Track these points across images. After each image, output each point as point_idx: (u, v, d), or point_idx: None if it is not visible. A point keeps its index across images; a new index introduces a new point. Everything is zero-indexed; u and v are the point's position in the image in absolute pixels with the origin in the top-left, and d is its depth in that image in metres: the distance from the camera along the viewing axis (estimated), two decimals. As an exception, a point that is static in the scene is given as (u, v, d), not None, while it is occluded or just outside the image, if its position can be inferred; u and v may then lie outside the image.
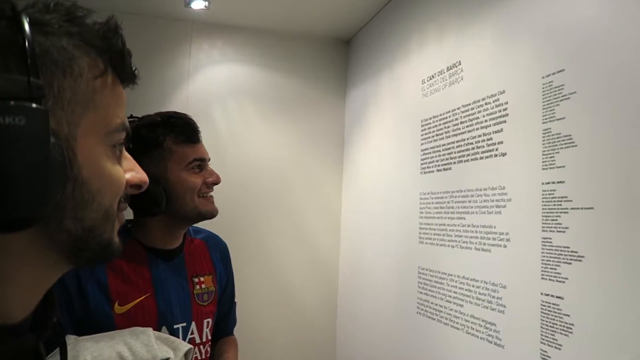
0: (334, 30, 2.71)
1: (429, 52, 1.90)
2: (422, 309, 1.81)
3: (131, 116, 1.15)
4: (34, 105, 0.37)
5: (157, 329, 1.10)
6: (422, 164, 1.88)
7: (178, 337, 1.14)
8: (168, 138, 1.14)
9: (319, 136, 2.79)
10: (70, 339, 0.94)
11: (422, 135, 1.90)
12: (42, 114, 0.38)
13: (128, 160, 0.54)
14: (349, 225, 2.68)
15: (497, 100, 1.45)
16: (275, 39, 2.73)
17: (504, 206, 1.39)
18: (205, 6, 2.38)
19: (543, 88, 1.27)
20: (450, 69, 1.72)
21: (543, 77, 1.27)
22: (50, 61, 0.42)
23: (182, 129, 1.16)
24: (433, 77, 1.84)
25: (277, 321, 2.64)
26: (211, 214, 1.20)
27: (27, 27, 0.40)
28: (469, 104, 1.59)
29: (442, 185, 1.73)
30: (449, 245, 1.66)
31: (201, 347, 1.21)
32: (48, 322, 0.51)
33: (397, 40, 2.19)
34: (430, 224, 1.79)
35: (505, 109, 1.42)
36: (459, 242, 1.60)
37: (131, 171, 0.54)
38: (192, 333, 1.18)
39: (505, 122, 1.41)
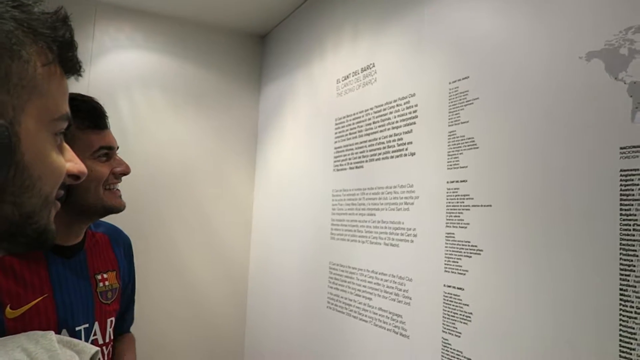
0: (249, 24, 2.67)
1: (344, 52, 1.94)
2: (332, 304, 1.85)
3: None
4: None
5: (57, 331, 1.00)
6: (335, 161, 1.93)
7: (80, 339, 1.05)
8: (71, 123, 1.04)
9: (231, 131, 2.74)
10: None
11: (335, 133, 1.94)
12: None
13: (67, 150, 0.55)
14: (261, 222, 2.66)
15: (408, 102, 1.53)
16: (188, 28, 2.64)
17: (412, 203, 1.47)
18: (111, -13, 2.24)
19: (450, 93, 1.35)
20: (365, 70, 1.78)
21: (450, 83, 1.36)
22: None
23: (87, 113, 1.05)
24: (348, 77, 1.89)
25: (183, 318, 2.55)
26: (117, 208, 1.11)
27: None
28: (382, 105, 1.66)
29: (354, 183, 1.78)
30: (359, 241, 1.71)
31: (104, 348, 1.12)
32: None
33: (313, 39, 2.21)
34: (342, 220, 1.83)
35: (415, 111, 1.49)
36: (369, 237, 1.66)
37: (70, 161, 0.55)
38: (95, 334, 1.09)
39: (415, 123, 1.49)
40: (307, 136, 2.20)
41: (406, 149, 1.52)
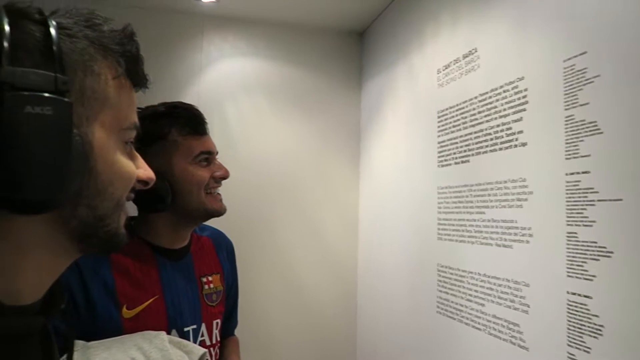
0: (347, 22, 2.64)
1: (443, 40, 1.82)
2: (442, 308, 1.74)
3: (138, 107, 1.10)
4: (60, 98, 0.43)
5: (168, 331, 1.05)
6: (439, 156, 1.81)
7: (189, 340, 1.10)
8: (173, 129, 1.08)
9: (334, 131, 2.72)
10: (79, 345, 0.90)
11: (438, 127, 1.82)
12: (67, 106, 0.43)
13: (137, 157, 0.59)
14: (367, 222, 2.61)
15: (516, 87, 1.37)
16: (287, 32, 2.68)
17: (525, 199, 1.31)
18: None
19: (564, 72, 1.18)
20: (466, 56, 1.64)
21: (564, 61, 1.18)
22: (73, 61, 0.47)
23: (188, 120, 1.10)
24: (448, 66, 1.76)
25: (292, 321, 2.59)
26: (218, 212, 1.14)
27: (53, 29, 0.45)
28: (487, 93, 1.51)
29: (460, 179, 1.65)
30: (468, 242, 1.58)
31: (211, 349, 1.16)
32: (56, 307, 0.55)
33: (411, 30, 2.11)
34: (449, 219, 1.71)
35: (524, 97, 1.33)
36: (479, 238, 1.52)
37: (140, 168, 0.59)
38: (202, 335, 1.13)
39: (524, 110, 1.33)
40: (408, 131, 2.10)
41: (516, 139, 1.36)
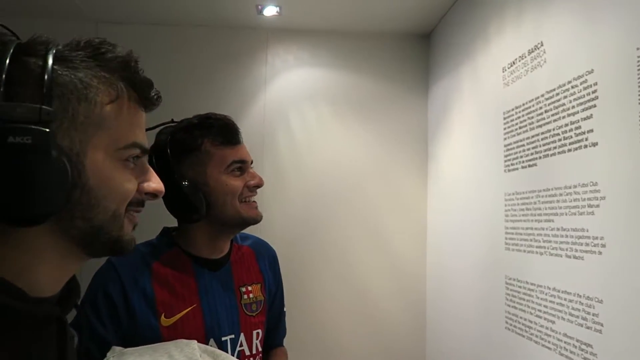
0: (412, 25, 2.57)
1: (508, 36, 1.70)
2: (510, 324, 1.61)
3: (172, 120, 1.13)
4: (39, 128, 0.48)
5: (205, 341, 1.07)
6: (505, 161, 1.69)
7: (227, 349, 1.10)
8: (206, 140, 1.09)
9: (400, 137, 2.65)
10: (115, 350, 0.94)
11: (504, 129, 1.70)
12: (46, 135, 0.48)
13: (147, 171, 0.63)
14: (435, 230, 2.51)
15: (585, 81, 1.24)
16: (351, 39, 2.66)
17: (597, 205, 1.18)
18: (277, 12, 2.39)
19: (638, 62, 1.05)
20: (532, 52, 1.52)
21: (638, 49, 1.05)
22: (68, 90, 0.52)
23: (220, 130, 1.11)
24: (514, 63, 1.64)
25: (358, 329, 2.54)
26: (254, 220, 1.13)
27: (49, 63, 0.51)
28: (553, 90, 1.39)
29: (527, 184, 1.53)
30: (537, 252, 1.45)
31: (251, 359, 1.16)
32: (71, 301, 0.62)
33: (476, 28, 2.00)
34: (517, 228, 1.59)
35: (594, 92, 1.20)
36: (547, 248, 1.39)
37: (148, 181, 0.62)
38: (241, 345, 1.13)
39: (595, 106, 1.20)
40: (474, 135, 1.99)
41: (586, 139, 1.23)
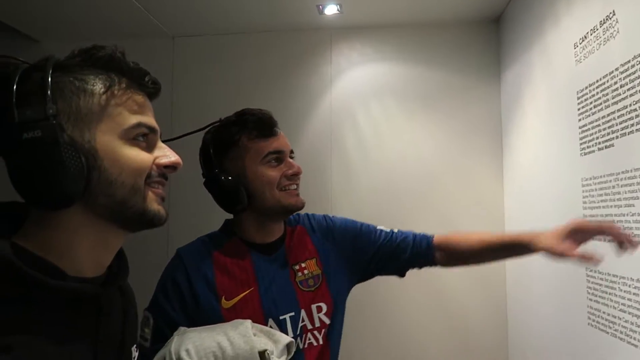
0: (479, 10, 2.46)
1: (577, 9, 1.58)
2: (593, 320, 1.48)
3: (218, 120, 1.21)
4: (44, 122, 0.57)
5: (264, 321, 1.12)
6: (581, 143, 1.56)
7: (286, 327, 1.14)
8: (242, 136, 1.15)
9: (472, 128, 2.54)
10: (180, 330, 1.03)
11: (578, 109, 1.58)
12: (52, 126, 0.57)
13: (160, 148, 0.69)
14: (513, 223, 2.37)
15: (662, 48, 1.12)
16: (415, 31, 2.60)
17: (681, 185, 1.05)
18: (337, 10, 2.41)
19: None
20: (604, 22, 1.39)
21: None
22: (68, 90, 0.61)
23: (255, 124, 1.16)
24: (585, 37, 1.52)
25: (436, 327, 2.46)
26: (295, 207, 1.17)
27: (49, 72, 0.59)
28: (629, 61, 1.26)
29: (604, 167, 1.40)
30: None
31: (315, 332, 1.18)
32: (118, 280, 0.70)
33: (544, 6, 1.88)
34: (595, 215, 1.46)
35: (672, 58, 1.08)
36: (629, 235, 1.27)
37: (163, 156, 0.68)
38: (302, 320, 1.17)
39: (674, 75, 1.08)
40: (546, 119, 1.86)
41: (665, 112, 1.11)
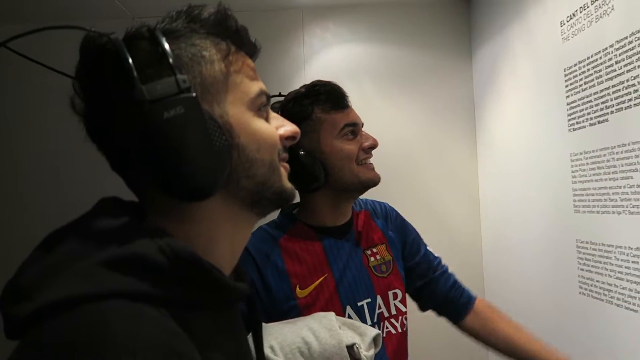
0: (451, -11, 2.47)
1: (565, -13, 1.61)
2: (585, 289, 1.55)
3: (279, 94, 1.13)
4: (186, 95, 0.48)
5: (341, 308, 1.07)
6: (569, 119, 1.61)
7: (364, 313, 1.10)
8: (315, 108, 1.08)
9: (445, 107, 2.57)
10: None
11: (566, 86, 1.62)
12: (194, 100, 0.48)
13: (276, 118, 0.62)
14: (490, 200, 2.44)
15: (664, 24, 1.15)
16: (388, 11, 2.58)
17: (687, 156, 1.10)
18: (310, -12, 2.34)
19: None
20: (595, 0, 1.43)
21: None
22: (187, 58, 0.52)
23: (328, 95, 1.09)
24: (574, 15, 1.55)
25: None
26: (373, 182, 1.12)
27: (163, 40, 0.50)
28: (625, 38, 1.30)
29: (597, 142, 1.45)
30: (613, 212, 1.38)
31: (392, 320, 1.14)
32: (245, 281, 0.61)
33: (525, -16, 1.90)
34: (587, 188, 1.51)
35: (677, 34, 1.12)
36: (626, 207, 1.32)
37: (282, 126, 0.61)
38: (379, 308, 1.12)
39: (678, 50, 1.11)
40: (530, 96, 1.90)
41: (669, 87, 1.15)
